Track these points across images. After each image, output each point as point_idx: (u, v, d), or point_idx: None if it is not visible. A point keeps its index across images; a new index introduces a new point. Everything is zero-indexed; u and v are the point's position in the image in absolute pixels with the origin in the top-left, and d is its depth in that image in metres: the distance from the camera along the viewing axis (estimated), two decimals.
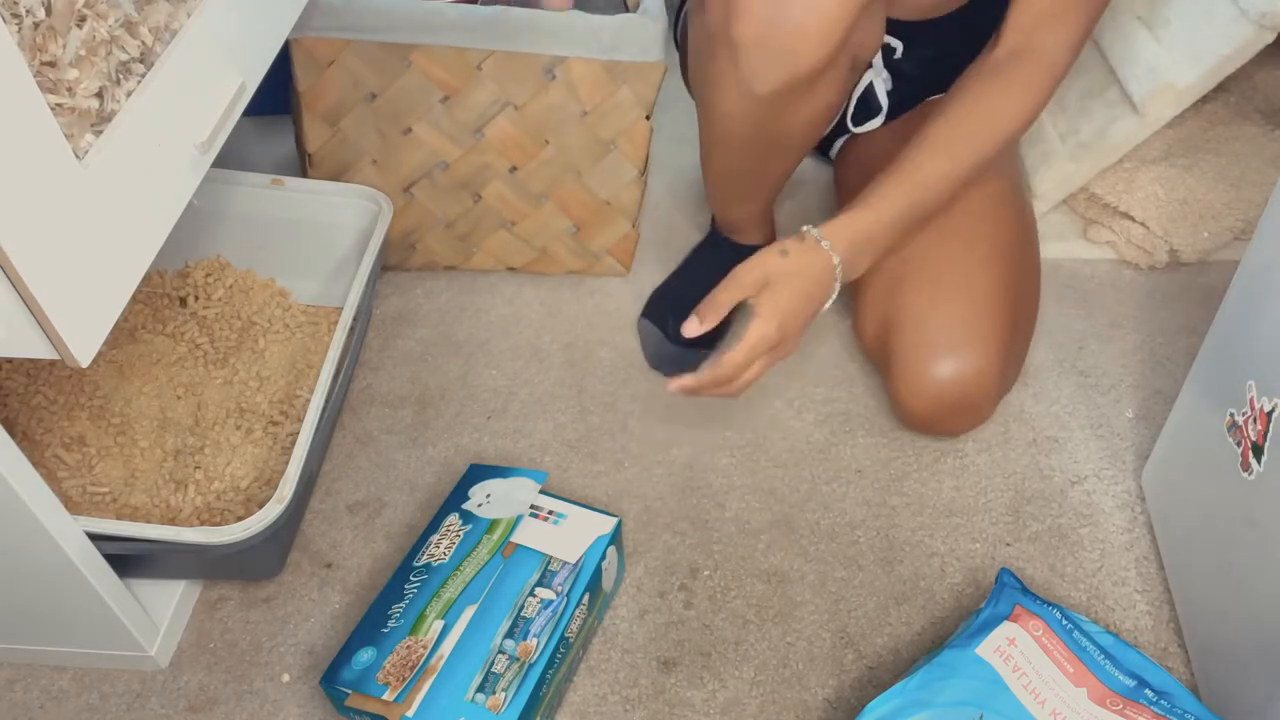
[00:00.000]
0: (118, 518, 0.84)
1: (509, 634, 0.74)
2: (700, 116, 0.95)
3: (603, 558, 0.79)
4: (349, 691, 0.72)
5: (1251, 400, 0.71)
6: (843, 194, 1.12)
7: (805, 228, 0.83)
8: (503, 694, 0.71)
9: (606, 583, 0.83)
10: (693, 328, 0.80)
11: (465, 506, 0.83)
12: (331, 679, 0.73)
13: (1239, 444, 0.73)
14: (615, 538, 0.81)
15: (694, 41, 0.89)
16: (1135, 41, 1.12)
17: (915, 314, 0.92)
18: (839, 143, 1.14)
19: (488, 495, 0.79)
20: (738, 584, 0.88)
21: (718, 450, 0.97)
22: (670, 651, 0.83)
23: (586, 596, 0.78)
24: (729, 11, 0.77)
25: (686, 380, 0.81)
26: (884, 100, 1.03)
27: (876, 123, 1.04)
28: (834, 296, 0.84)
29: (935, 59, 1.00)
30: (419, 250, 1.10)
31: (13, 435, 0.73)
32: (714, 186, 1.04)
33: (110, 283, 0.60)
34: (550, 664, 0.74)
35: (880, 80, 1.02)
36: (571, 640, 0.77)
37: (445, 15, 0.94)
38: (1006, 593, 0.77)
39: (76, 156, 0.55)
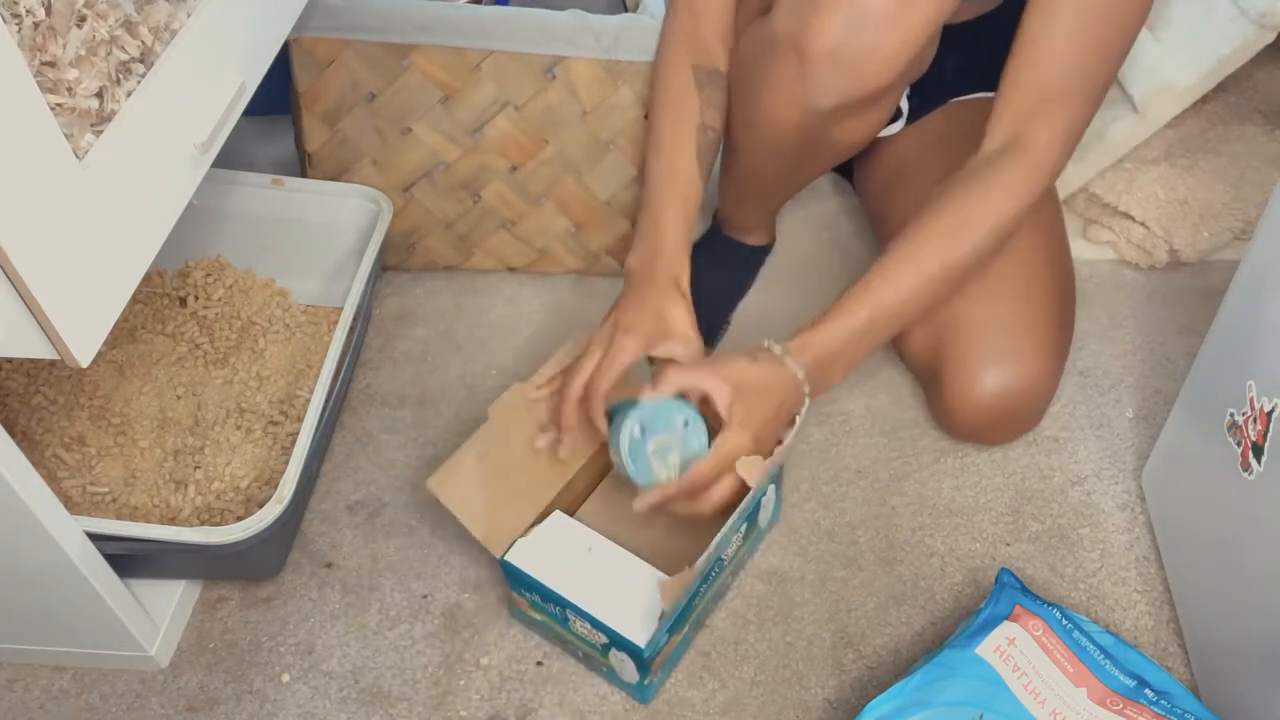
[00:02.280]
0: (118, 518, 0.84)
1: None
2: (733, 118, 0.94)
3: (764, 493, 0.82)
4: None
5: (1251, 400, 0.71)
6: (866, 199, 1.12)
7: (767, 342, 0.81)
8: None
9: (762, 519, 0.86)
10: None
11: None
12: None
13: (1239, 444, 0.73)
14: (778, 478, 0.86)
15: (746, 47, 0.88)
16: (1135, 41, 1.12)
17: (973, 322, 0.90)
18: None
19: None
20: (738, 584, 0.88)
21: None
22: None
23: (744, 525, 0.81)
24: (802, 23, 0.77)
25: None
26: (904, 105, 1.03)
27: (897, 127, 1.03)
28: (805, 410, 0.81)
29: (959, 63, 1.00)
30: (419, 250, 1.10)
31: (13, 435, 0.73)
32: (733, 186, 1.04)
33: (110, 283, 0.60)
34: (707, 578, 0.77)
35: None
36: (726, 563, 0.81)
37: (444, 16, 0.94)
38: (1006, 593, 0.77)
39: (76, 156, 0.55)
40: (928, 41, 0.78)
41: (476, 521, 0.78)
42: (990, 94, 1.04)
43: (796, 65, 0.79)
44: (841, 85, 0.79)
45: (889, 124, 1.04)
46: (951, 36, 0.91)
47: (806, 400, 0.81)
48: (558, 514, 0.81)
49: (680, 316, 0.84)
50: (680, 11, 0.91)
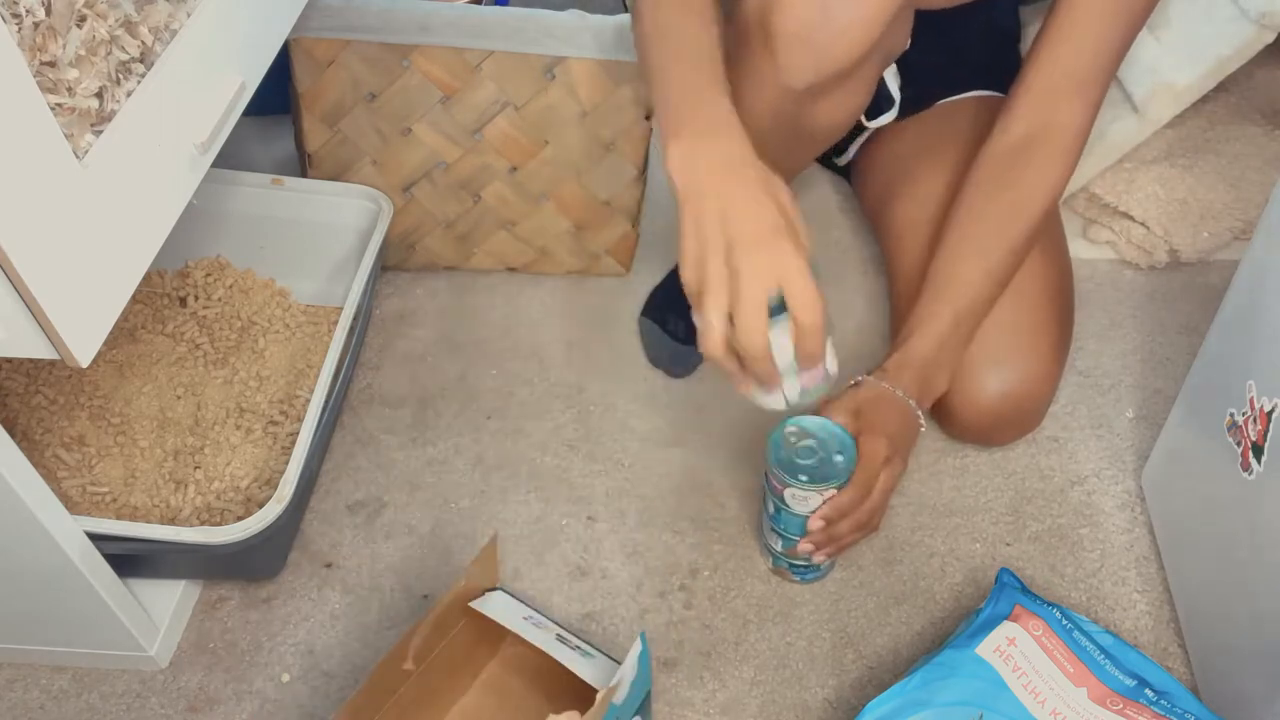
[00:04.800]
0: (118, 518, 0.84)
1: None
2: None
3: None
4: None
5: (1251, 400, 0.71)
6: (862, 196, 1.12)
7: (860, 376, 0.84)
8: None
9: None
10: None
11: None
12: None
13: (1239, 444, 0.73)
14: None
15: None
16: (1135, 41, 1.12)
17: None
18: (853, 148, 1.14)
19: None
20: (738, 584, 0.88)
21: (717, 450, 0.97)
22: (670, 651, 0.83)
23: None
24: (769, 5, 0.77)
25: (816, 523, 0.78)
26: (896, 93, 1.03)
27: (890, 117, 1.03)
28: (923, 427, 0.85)
29: (946, 53, 1.00)
30: (419, 250, 1.11)
31: (13, 435, 0.73)
32: None
33: (110, 283, 0.60)
34: None
35: (890, 74, 1.02)
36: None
37: (444, 16, 0.94)
38: (1006, 592, 0.77)
39: (76, 156, 0.55)
40: (897, 13, 0.77)
41: None
42: (978, 92, 1.05)
43: (766, 48, 0.79)
44: (812, 64, 0.79)
45: (882, 114, 1.05)
46: (937, 29, 0.91)
47: (920, 416, 0.84)
48: None
49: (787, 200, 0.71)
50: None
